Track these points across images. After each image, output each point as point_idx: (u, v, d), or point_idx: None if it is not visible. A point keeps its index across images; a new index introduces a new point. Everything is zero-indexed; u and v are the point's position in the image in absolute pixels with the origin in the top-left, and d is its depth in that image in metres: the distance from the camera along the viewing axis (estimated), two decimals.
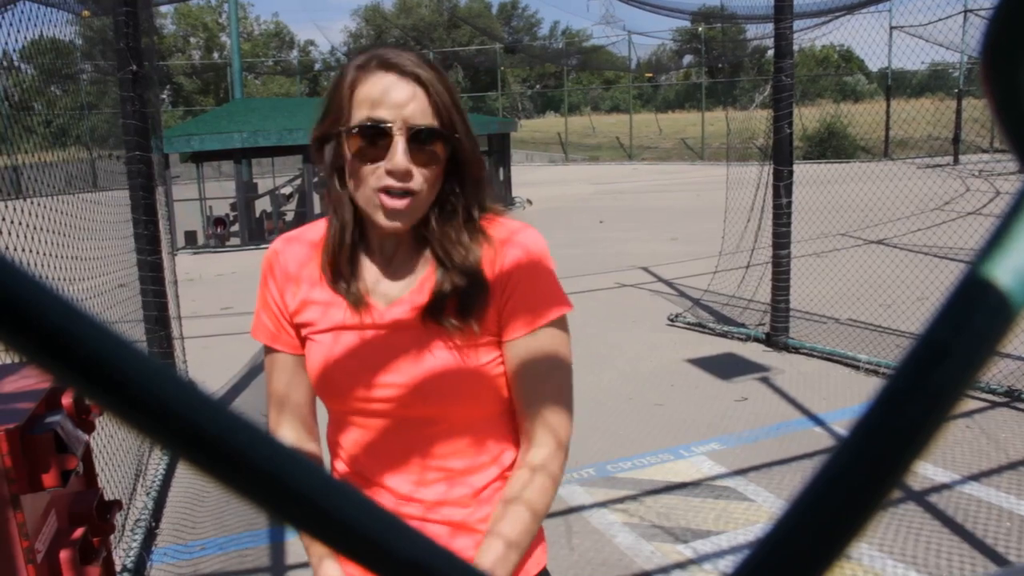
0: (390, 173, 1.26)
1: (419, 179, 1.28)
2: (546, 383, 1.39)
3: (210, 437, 0.21)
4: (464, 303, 1.34)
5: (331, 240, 1.39)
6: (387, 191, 1.27)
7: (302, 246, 1.45)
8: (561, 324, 1.41)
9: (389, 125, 1.26)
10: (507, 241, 1.38)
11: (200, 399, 0.22)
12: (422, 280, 1.37)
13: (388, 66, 1.29)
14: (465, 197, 1.36)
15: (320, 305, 1.39)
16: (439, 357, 1.34)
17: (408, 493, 1.37)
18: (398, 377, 1.34)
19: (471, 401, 1.36)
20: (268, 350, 1.46)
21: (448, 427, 1.36)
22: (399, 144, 1.26)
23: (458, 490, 1.38)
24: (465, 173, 1.35)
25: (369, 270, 1.39)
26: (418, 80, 1.29)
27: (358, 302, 1.37)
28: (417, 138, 1.27)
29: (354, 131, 1.28)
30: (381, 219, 1.29)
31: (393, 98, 1.27)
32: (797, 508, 0.23)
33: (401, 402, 1.34)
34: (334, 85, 1.35)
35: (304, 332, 1.42)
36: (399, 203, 1.28)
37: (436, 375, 1.33)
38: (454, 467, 1.37)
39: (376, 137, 1.27)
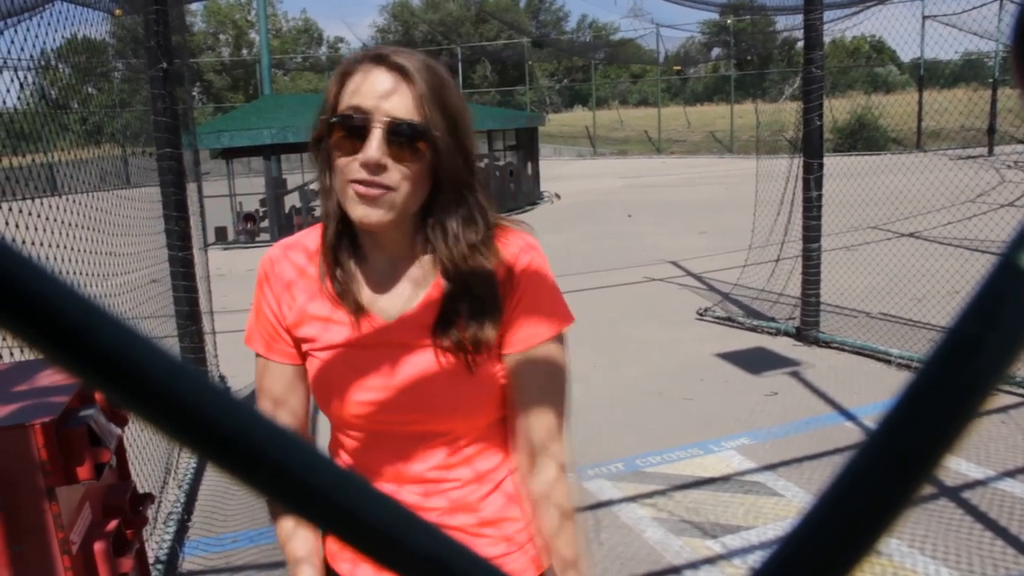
0: (363, 165, 1.23)
1: (395, 175, 1.24)
2: (546, 397, 1.37)
3: (228, 433, 0.21)
4: (474, 317, 1.31)
5: (325, 242, 1.36)
6: (359, 183, 1.24)
7: (299, 254, 1.41)
8: (561, 338, 1.40)
9: (367, 116, 1.24)
10: (511, 252, 1.36)
11: (218, 395, 0.22)
12: (427, 294, 1.34)
13: (378, 59, 1.27)
14: (448, 203, 1.31)
15: (320, 320, 1.37)
16: (444, 374, 1.32)
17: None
18: (403, 395, 1.32)
19: (472, 416, 1.35)
20: (260, 358, 1.43)
21: (446, 441, 1.35)
22: (375, 136, 1.23)
23: (440, 501, 1.37)
24: (442, 177, 1.29)
25: (371, 282, 1.37)
26: (403, 73, 1.25)
27: (360, 317, 1.34)
28: (395, 132, 1.23)
29: (334, 120, 1.26)
30: (354, 210, 1.26)
31: (375, 90, 1.25)
32: (824, 504, 0.23)
33: (405, 420, 1.34)
34: (330, 81, 1.33)
35: (304, 347, 1.39)
36: (371, 191, 1.24)
37: (440, 392, 1.32)
38: (445, 480, 1.37)
39: (355, 128, 1.24)
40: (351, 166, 1.25)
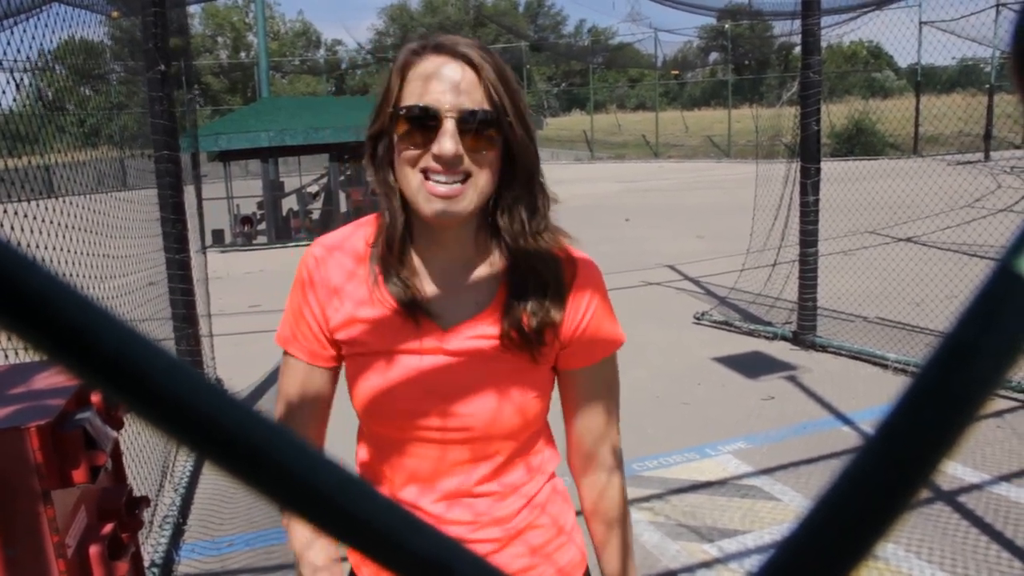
0: (437, 159, 1.19)
1: (472, 166, 1.21)
2: (604, 413, 1.40)
3: (229, 434, 0.21)
4: (540, 301, 1.28)
5: (382, 243, 1.31)
6: (434, 177, 1.20)
7: (346, 255, 1.35)
8: (615, 355, 1.41)
9: (437, 108, 1.19)
10: (579, 264, 1.35)
11: (219, 395, 0.22)
12: (493, 299, 1.30)
13: (439, 48, 1.23)
14: (519, 189, 1.29)
15: (370, 324, 1.30)
16: (502, 384, 1.29)
17: (440, 514, 1.33)
18: (458, 405, 1.28)
19: (524, 428, 1.33)
20: (291, 358, 1.38)
21: (493, 453, 1.33)
22: (448, 127, 1.19)
23: (484, 518, 1.35)
24: (516, 163, 1.27)
25: (431, 285, 1.31)
26: (469, 62, 1.22)
27: (419, 323, 1.29)
28: (467, 121, 1.20)
29: (402, 113, 1.22)
30: (430, 207, 1.21)
31: (443, 80, 1.21)
32: (822, 507, 0.23)
33: (457, 429, 1.29)
34: (387, 73, 1.29)
35: (349, 351, 1.33)
36: (445, 189, 1.20)
37: (498, 403, 1.29)
38: (485, 493, 1.34)
39: (424, 120, 1.20)
40: (423, 158, 1.21)
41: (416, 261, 1.32)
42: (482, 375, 1.29)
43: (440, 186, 1.20)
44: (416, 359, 1.29)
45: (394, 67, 1.27)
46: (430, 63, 1.23)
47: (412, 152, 1.22)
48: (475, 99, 1.21)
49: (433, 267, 1.32)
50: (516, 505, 1.37)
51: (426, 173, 1.21)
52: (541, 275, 1.29)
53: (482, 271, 1.32)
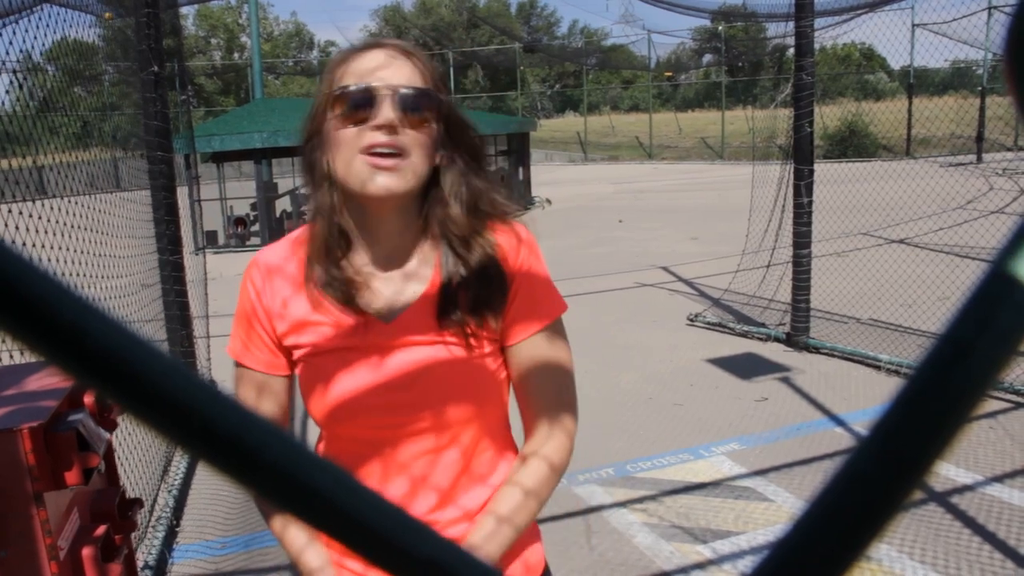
0: (378, 128, 1.22)
1: (408, 140, 1.24)
2: (551, 384, 1.37)
3: (225, 434, 0.21)
4: (479, 289, 1.30)
5: (318, 244, 1.31)
6: (374, 151, 1.23)
7: (287, 258, 1.36)
8: (560, 323, 1.40)
9: (373, 85, 1.23)
10: (510, 237, 1.35)
11: (214, 396, 0.22)
12: (427, 286, 1.31)
13: (371, 44, 1.30)
14: (455, 176, 1.31)
15: (316, 325, 1.31)
16: (451, 371, 1.29)
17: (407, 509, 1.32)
18: (411, 396, 1.28)
19: (480, 415, 1.33)
20: (241, 368, 1.39)
21: (449, 444, 1.32)
22: (385, 101, 1.23)
23: (451, 511, 1.34)
24: (459, 140, 1.31)
25: (368, 280, 1.32)
26: (402, 51, 1.28)
27: (359, 318, 1.30)
28: (404, 100, 1.23)
29: (337, 92, 1.25)
30: (372, 183, 1.23)
31: (376, 65, 1.26)
32: (816, 509, 0.23)
33: (413, 421, 1.29)
34: (324, 75, 1.33)
35: (297, 355, 1.34)
36: (387, 161, 1.22)
37: (449, 390, 1.29)
38: (449, 485, 1.34)
39: (362, 99, 1.23)
40: (362, 135, 1.23)
41: (353, 258, 1.33)
42: (428, 364, 1.29)
43: (381, 159, 1.23)
44: (363, 355, 1.30)
45: (328, 67, 1.32)
46: (364, 55, 1.28)
47: (350, 131, 1.24)
48: (409, 79, 1.26)
49: (370, 262, 1.34)
50: (485, 496, 1.36)
51: (366, 147, 1.23)
52: (476, 260, 1.31)
53: (418, 262, 1.34)
